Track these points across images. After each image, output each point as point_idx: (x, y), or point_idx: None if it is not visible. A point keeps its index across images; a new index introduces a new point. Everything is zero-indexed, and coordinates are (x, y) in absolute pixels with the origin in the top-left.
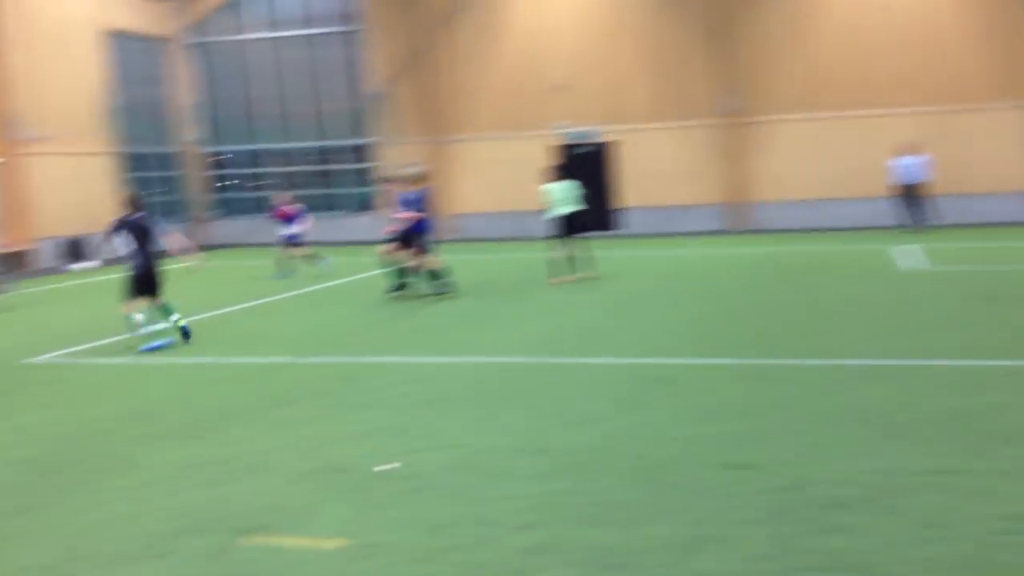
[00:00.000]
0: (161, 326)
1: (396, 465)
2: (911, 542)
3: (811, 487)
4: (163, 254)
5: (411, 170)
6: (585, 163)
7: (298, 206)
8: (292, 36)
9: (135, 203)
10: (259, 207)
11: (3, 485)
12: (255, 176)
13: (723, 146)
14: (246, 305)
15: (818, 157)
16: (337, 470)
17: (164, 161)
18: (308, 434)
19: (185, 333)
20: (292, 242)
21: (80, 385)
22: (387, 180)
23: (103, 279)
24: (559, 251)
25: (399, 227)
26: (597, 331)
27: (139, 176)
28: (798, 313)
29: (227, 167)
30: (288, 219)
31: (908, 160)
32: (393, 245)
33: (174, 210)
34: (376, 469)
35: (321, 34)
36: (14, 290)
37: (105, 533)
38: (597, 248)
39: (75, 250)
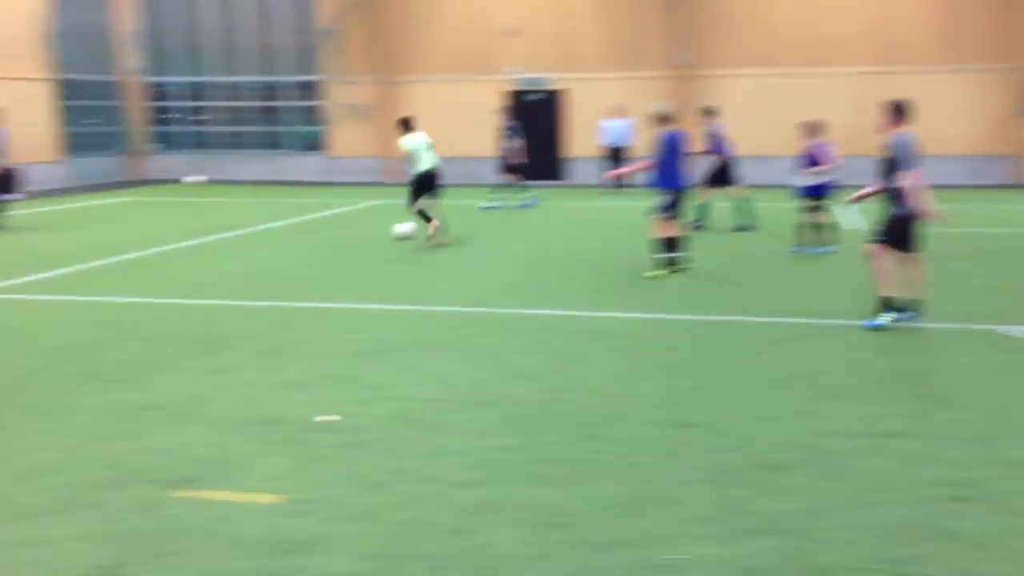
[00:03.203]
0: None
1: (336, 417)
2: (850, 506)
3: (753, 448)
4: None
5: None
6: (535, 110)
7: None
8: None
9: None
10: (200, 142)
11: None
12: (197, 110)
13: (673, 99)
14: (190, 243)
15: (764, 112)
16: (272, 422)
17: (103, 90)
18: (243, 382)
19: None
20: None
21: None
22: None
23: (35, 210)
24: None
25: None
26: (537, 283)
27: (76, 105)
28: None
29: (169, 99)
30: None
31: (614, 122)
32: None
33: (111, 142)
34: (317, 419)
35: None
36: None
37: (24, 484)
38: (548, 197)
39: (4, 182)
